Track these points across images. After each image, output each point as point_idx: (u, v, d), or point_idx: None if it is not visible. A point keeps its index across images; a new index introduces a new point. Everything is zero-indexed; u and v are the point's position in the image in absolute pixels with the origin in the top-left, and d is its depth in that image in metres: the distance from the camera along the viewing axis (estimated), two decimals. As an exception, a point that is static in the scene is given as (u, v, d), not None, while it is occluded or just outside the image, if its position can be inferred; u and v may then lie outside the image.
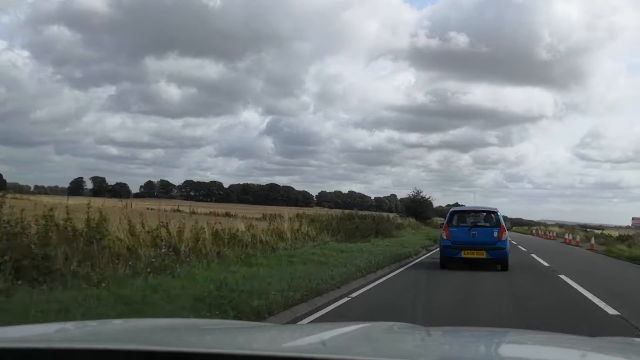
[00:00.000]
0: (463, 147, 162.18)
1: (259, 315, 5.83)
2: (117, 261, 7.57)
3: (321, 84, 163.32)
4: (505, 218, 14.71)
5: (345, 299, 7.88)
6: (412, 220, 40.30)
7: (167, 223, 9.79)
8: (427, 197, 48.91)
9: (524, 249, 22.19)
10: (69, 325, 1.93)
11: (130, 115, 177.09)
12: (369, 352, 1.58)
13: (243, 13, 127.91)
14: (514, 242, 23.95)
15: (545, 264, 15.44)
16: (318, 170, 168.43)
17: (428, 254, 17.47)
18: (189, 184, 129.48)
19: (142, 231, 9.05)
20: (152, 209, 15.81)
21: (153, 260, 8.05)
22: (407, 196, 51.12)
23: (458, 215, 14.14)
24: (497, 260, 12.91)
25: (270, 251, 12.32)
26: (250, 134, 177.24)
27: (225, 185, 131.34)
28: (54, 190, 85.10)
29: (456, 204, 49.30)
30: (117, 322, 2.33)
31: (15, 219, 6.81)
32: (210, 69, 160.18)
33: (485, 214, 14.32)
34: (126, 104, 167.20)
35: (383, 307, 7.57)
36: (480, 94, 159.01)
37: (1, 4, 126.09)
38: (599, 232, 46.77)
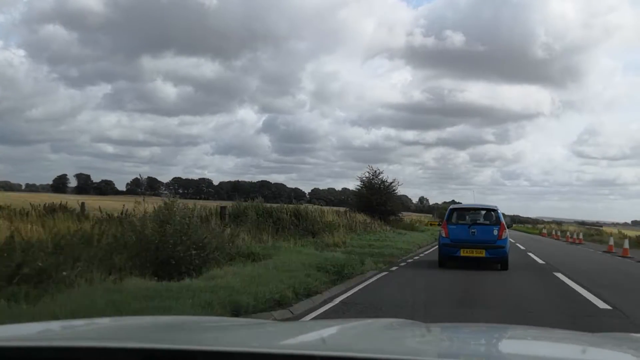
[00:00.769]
0: (460, 144, 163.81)
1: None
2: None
3: (317, 82, 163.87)
4: (505, 215, 14.77)
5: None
6: (363, 216, 27.85)
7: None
8: (389, 182, 33.92)
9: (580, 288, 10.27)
10: (69, 324, 1.97)
11: (126, 114, 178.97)
12: (369, 349, 1.62)
13: (239, 11, 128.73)
14: (532, 255, 18.54)
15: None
16: (315, 168, 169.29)
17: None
18: (177, 181, 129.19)
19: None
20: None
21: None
22: (360, 182, 34.45)
23: (457, 212, 14.18)
24: (496, 259, 12.97)
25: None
26: (246, 132, 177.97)
27: (215, 183, 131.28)
28: (45, 188, 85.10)
29: (453, 202, 49.01)
30: (117, 320, 2.37)
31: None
32: (207, 67, 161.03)
33: (485, 211, 14.32)
34: (122, 102, 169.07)
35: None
36: (477, 91, 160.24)
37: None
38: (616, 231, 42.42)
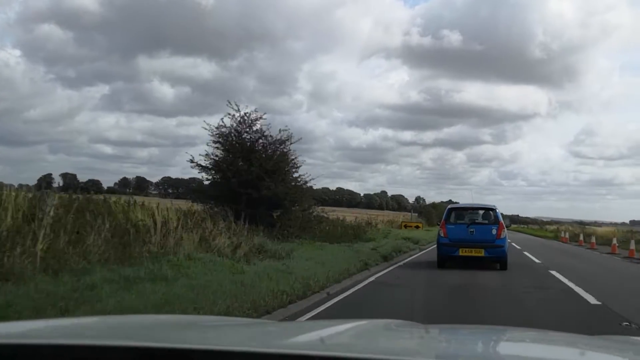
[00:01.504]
0: (457, 145, 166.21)
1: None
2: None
3: (314, 83, 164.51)
4: (504, 216, 14.95)
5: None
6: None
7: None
8: (280, 136, 16.30)
9: None
10: (67, 321, 2.00)
11: (124, 115, 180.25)
12: (368, 349, 1.67)
13: (236, 11, 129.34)
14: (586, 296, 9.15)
15: None
16: (313, 168, 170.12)
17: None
18: (166, 180, 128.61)
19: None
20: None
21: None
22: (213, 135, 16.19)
23: (456, 212, 14.38)
24: (495, 258, 13.15)
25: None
26: None
27: (206, 182, 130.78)
28: (30, 189, 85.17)
29: (450, 201, 48.83)
30: (117, 318, 2.40)
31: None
32: (204, 67, 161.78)
33: (483, 211, 14.53)
34: (120, 103, 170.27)
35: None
36: (474, 92, 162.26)
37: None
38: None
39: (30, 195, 9.11)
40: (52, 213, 8.08)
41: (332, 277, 9.66)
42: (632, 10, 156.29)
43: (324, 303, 7.90)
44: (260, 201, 14.94)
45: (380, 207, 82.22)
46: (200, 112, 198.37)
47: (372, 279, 10.95)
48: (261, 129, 16.05)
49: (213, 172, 16.03)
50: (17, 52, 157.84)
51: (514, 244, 23.32)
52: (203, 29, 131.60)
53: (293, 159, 16.43)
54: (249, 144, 15.80)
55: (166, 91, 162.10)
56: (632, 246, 20.58)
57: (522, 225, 74.41)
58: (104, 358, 1.37)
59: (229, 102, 15.72)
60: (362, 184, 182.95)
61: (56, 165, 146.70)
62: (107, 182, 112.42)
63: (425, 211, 57.29)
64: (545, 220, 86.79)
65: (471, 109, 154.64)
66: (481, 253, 12.98)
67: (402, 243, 19.95)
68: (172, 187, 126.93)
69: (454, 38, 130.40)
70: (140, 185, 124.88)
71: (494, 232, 13.26)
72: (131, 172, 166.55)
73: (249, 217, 14.06)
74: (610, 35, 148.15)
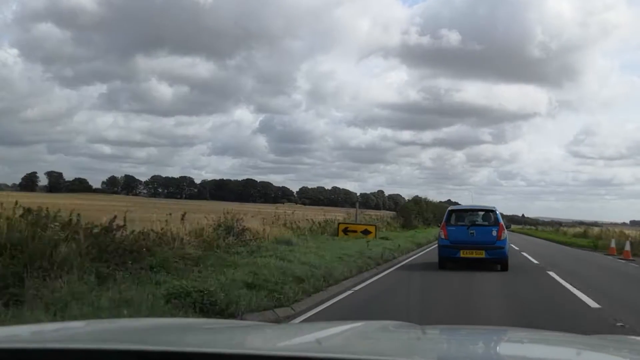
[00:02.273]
0: (456, 144, 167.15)
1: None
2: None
3: (313, 82, 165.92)
4: (502, 216, 15.16)
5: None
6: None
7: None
8: None
9: None
10: (63, 325, 2.03)
11: (122, 114, 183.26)
12: (365, 351, 1.71)
13: (234, 10, 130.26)
14: None
15: None
16: (312, 168, 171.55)
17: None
18: (156, 179, 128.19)
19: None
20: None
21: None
22: None
23: (456, 214, 14.62)
24: (496, 260, 13.36)
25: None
26: (243, 132, 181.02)
27: (197, 181, 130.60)
28: (15, 188, 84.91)
29: (449, 201, 48.53)
30: (113, 322, 2.44)
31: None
32: (202, 67, 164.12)
33: (483, 212, 14.81)
34: (118, 102, 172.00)
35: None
36: (473, 91, 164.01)
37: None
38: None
39: None
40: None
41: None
42: (631, 9, 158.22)
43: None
44: None
45: (377, 207, 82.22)
46: (199, 112, 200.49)
47: None
48: None
49: None
50: (15, 52, 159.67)
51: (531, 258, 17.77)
52: (201, 28, 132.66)
53: None
54: None
55: (164, 90, 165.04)
56: None
57: (518, 225, 72.01)
58: None
59: None
60: (362, 184, 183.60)
61: (55, 166, 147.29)
62: (97, 181, 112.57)
63: (402, 208, 40.94)
64: (545, 220, 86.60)
65: (470, 109, 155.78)
66: (482, 254, 13.20)
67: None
68: (162, 186, 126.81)
69: (452, 37, 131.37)
70: (129, 184, 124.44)
71: (495, 233, 13.47)
72: (131, 172, 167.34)
73: None
74: (609, 34, 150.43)
